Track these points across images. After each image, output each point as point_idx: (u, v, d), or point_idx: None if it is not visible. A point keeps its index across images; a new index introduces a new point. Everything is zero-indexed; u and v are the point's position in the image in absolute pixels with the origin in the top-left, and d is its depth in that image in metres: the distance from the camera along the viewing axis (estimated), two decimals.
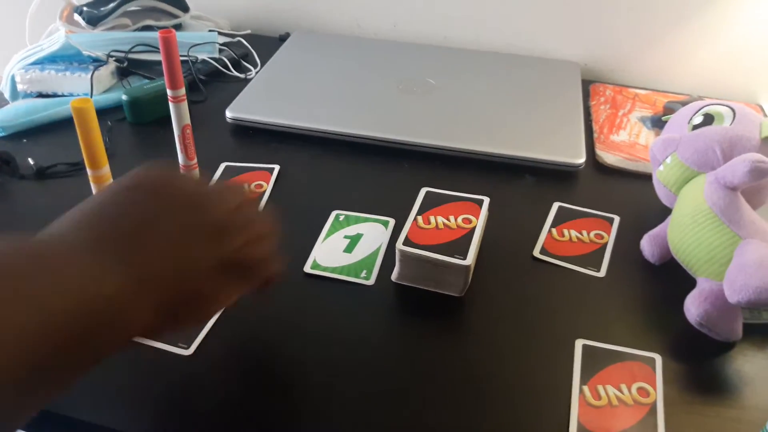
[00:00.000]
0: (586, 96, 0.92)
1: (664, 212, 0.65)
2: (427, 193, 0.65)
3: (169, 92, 0.66)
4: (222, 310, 0.53)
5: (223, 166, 0.75)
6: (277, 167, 0.75)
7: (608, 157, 0.79)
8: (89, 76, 0.85)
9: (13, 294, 0.31)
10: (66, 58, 0.88)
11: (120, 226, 0.39)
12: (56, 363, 0.33)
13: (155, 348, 0.53)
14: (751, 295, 0.51)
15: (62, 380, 0.34)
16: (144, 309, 0.38)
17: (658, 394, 0.52)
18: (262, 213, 0.50)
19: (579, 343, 0.55)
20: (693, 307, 0.56)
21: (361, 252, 0.64)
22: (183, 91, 0.66)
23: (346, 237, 0.66)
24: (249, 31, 1.04)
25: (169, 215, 0.41)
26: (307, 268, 0.62)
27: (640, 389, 0.52)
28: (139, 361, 0.53)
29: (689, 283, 0.59)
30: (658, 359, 0.54)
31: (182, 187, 0.43)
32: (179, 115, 0.67)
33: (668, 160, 0.64)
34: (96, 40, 0.92)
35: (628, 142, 0.82)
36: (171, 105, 0.66)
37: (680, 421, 0.50)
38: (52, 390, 0.33)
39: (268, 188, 0.72)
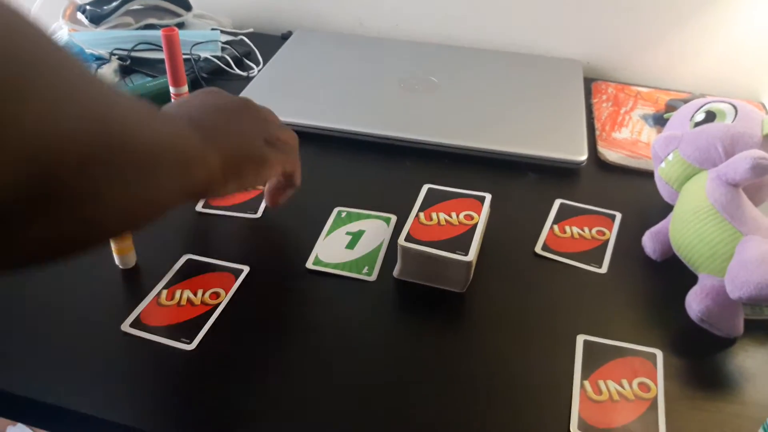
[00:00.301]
0: (588, 94, 0.92)
1: (666, 209, 0.65)
2: (429, 189, 0.65)
3: (171, 89, 0.66)
4: None
5: None
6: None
7: (610, 154, 0.79)
8: None
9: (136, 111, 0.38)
10: None
11: (192, 106, 0.54)
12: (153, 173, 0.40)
13: (159, 343, 0.54)
14: (752, 291, 0.52)
15: (156, 194, 0.41)
16: (212, 154, 0.49)
17: (659, 389, 0.52)
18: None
19: (580, 339, 0.56)
20: (694, 303, 0.56)
21: (363, 248, 0.64)
22: (185, 88, 0.67)
23: (348, 233, 0.66)
24: (251, 30, 1.05)
25: (224, 101, 0.57)
26: (309, 264, 0.62)
27: (641, 384, 0.52)
28: (142, 356, 0.53)
29: (691, 279, 0.59)
30: (659, 355, 0.54)
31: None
32: None
33: (670, 157, 0.64)
34: (99, 39, 0.92)
35: (630, 140, 0.82)
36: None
37: (681, 416, 0.50)
38: (147, 197, 0.40)
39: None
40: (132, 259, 0.61)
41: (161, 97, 0.81)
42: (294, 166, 0.62)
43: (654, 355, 0.54)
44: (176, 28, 0.63)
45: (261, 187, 0.69)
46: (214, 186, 0.51)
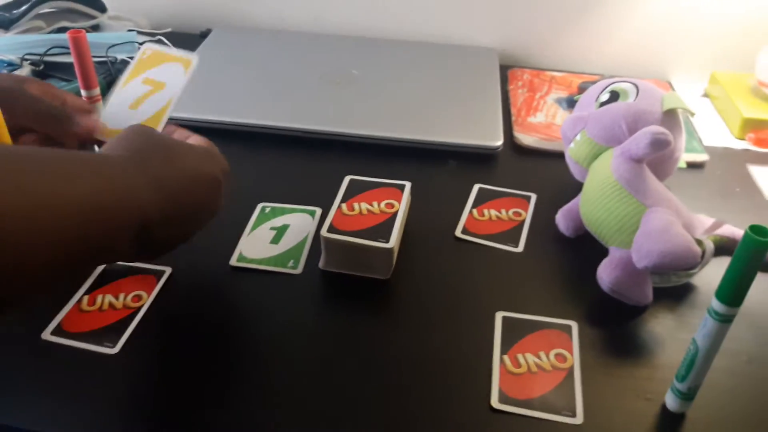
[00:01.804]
0: (505, 81, 0.94)
1: (578, 188, 0.67)
2: (351, 180, 0.66)
3: (83, 93, 0.65)
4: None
5: None
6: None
7: (525, 138, 0.81)
8: None
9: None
10: None
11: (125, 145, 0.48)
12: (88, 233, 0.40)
13: (81, 349, 0.53)
14: (656, 259, 0.54)
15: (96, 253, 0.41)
16: (143, 188, 0.45)
17: (575, 358, 0.54)
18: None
19: (499, 316, 0.58)
20: (605, 274, 0.59)
21: (288, 242, 0.65)
22: (98, 90, 0.66)
23: (272, 228, 0.66)
24: (169, 29, 1.03)
25: (167, 144, 0.51)
26: (233, 261, 0.62)
27: (557, 355, 0.54)
28: (65, 364, 0.52)
29: (602, 253, 0.61)
30: (575, 326, 0.57)
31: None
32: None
33: (578, 137, 0.67)
34: (9, 44, 0.90)
35: (544, 123, 0.85)
36: None
37: (596, 382, 0.53)
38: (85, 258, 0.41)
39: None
40: None
41: None
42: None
43: (569, 327, 0.57)
44: (83, 30, 0.62)
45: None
46: (148, 230, 0.46)
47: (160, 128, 0.59)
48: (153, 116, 0.60)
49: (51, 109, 0.59)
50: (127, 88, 0.62)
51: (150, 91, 0.61)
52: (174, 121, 0.80)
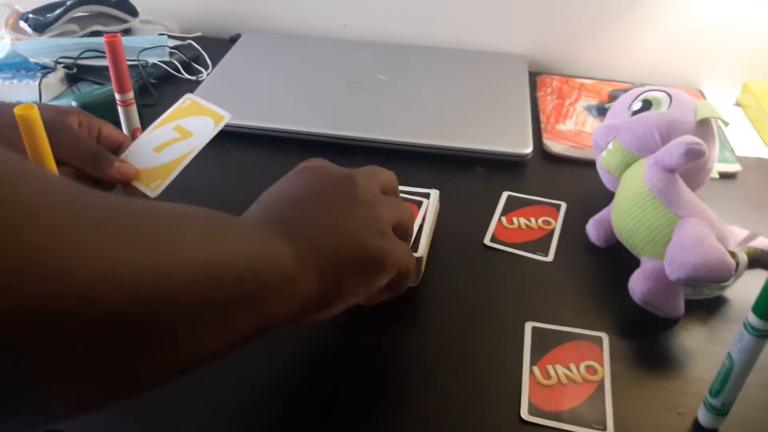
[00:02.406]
0: (534, 87, 0.94)
1: (609, 197, 0.67)
2: None
3: (117, 96, 0.66)
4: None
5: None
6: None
7: (555, 146, 0.81)
8: (37, 83, 0.84)
9: (199, 240, 0.34)
10: (12, 66, 0.87)
11: (285, 201, 0.45)
12: (224, 314, 0.34)
13: None
14: (689, 271, 0.54)
15: (232, 335, 0.36)
16: (307, 274, 0.40)
17: (606, 371, 0.54)
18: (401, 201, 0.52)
19: (528, 326, 0.57)
20: (637, 286, 0.58)
21: None
22: (131, 94, 0.66)
23: None
24: (200, 34, 1.04)
25: (327, 189, 0.46)
26: None
27: (588, 367, 0.54)
28: None
29: (633, 263, 0.61)
30: (605, 338, 0.56)
31: (337, 168, 0.49)
32: (128, 118, 0.67)
33: (610, 146, 0.66)
34: (43, 47, 0.91)
35: (574, 131, 0.84)
36: (120, 109, 0.67)
37: (627, 395, 0.52)
38: (221, 341, 0.35)
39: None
40: None
41: (109, 104, 0.80)
42: (409, 262, 0.48)
43: (600, 339, 0.56)
44: (119, 34, 0.63)
45: None
46: (308, 314, 0.42)
47: (172, 176, 0.60)
48: (171, 162, 0.61)
49: (92, 148, 0.58)
50: (157, 132, 0.64)
51: (176, 139, 0.62)
52: None
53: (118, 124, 0.68)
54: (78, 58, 0.91)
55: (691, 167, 0.60)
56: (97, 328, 0.27)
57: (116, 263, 0.28)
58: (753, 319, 0.44)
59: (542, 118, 0.86)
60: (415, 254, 0.58)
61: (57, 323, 0.25)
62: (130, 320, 0.28)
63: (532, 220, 0.69)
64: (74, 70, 0.90)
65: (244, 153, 0.78)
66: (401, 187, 0.66)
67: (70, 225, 0.27)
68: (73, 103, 0.80)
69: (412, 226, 0.51)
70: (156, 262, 0.30)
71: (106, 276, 0.27)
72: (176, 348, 0.32)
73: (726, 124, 0.65)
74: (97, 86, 0.87)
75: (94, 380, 0.29)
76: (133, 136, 0.68)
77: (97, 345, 0.27)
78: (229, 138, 0.81)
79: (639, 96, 0.68)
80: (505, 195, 0.73)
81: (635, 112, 0.67)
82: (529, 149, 0.77)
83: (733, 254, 0.58)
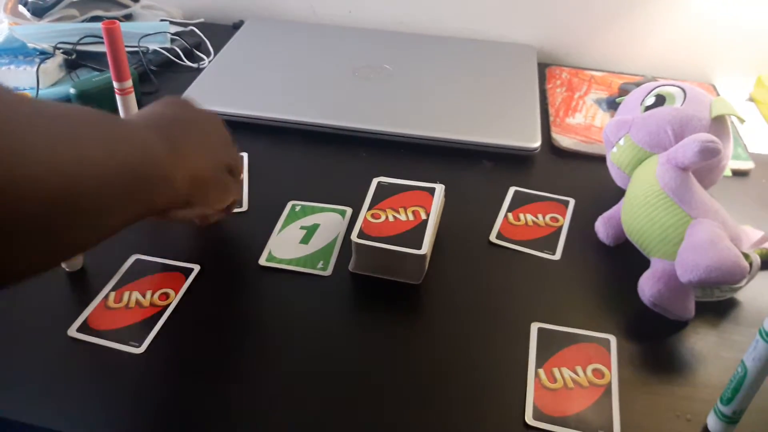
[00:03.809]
0: (543, 79, 0.92)
1: (619, 194, 0.65)
2: (379, 184, 0.64)
3: (115, 84, 0.64)
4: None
5: None
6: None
7: (564, 140, 0.79)
8: (35, 69, 0.82)
9: (96, 136, 0.41)
10: (10, 52, 0.85)
11: (165, 118, 0.52)
12: (114, 200, 0.42)
13: (107, 347, 0.52)
14: (701, 274, 0.52)
15: (125, 217, 0.44)
16: (180, 175, 0.48)
17: (613, 374, 0.52)
18: None
19: (534, 327, 0.56)
20: (646, 287, 0.57)
21: (317, 242, 0.63)
22: (130, 83, 0.65)
23: (302, 228, 0.65)
24: (202, 20, 1.02)
25: (199, 120, 0.55)
26: (262, 261, 0.61)
27: (595, 371, 0.52)
28: (90, 362, 0.52)
29: (643, 264, 0.59)
30: (613, 340, 0.55)
31: (202, 109, 0.57)
32: (126, 107, 0.66)
33: (621, 142, 0.64)
34: (42, 32, 0.89)
35: (583, 125, 0.82)
36: (118, 97, 0.65)
37: (635, 400, 0.51)
38: (118, 221, 0.43)
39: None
40: (79, 262, 0.59)
41: (108, 91, 0.79)
42: (239, 196, 0.63)
43: (608, 341, 0.55)
44: (117, 21, 0.61)
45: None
46: (174, 206, 0.51)
47: None
48: None
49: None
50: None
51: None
52: None
53: (116, 111, 0.66)
54: (77, 43, 0.89)
55: (704, 165, 0.59)
56: (39, 207, 0.35)
57: (49, 156, 0.36)
58: None
59: (551, 111, 0.85)
60: (419, 252, 0.57)
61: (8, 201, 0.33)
62: (60, 203, 0.36)
63: (540, 216, 0.67)
64: (73, 56, 0.88)
65: (244, 143, 0.76)
66: (404, 182, 0.64)
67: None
68: (72, 90, 0.79)
69: (242, 169, 0.64)
70: (75, 158, 0.38)
71: (45, 166, 0.35)
72: (91, 226, 0.40)
73: (742, 121, 0.63)
74: (96, 73, 0.85)
75: (33, 249, 0.36)
76: None
77: (39, 221, 0.35)
78: (232, 128, 0.79)
79: (652, 91, 0.66)
80: (512, 190, 0.71)
81: (648, 108, 0.65)
82: (537, 143, 0.76)
83: (746, 255, 0.56)
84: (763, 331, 0.42)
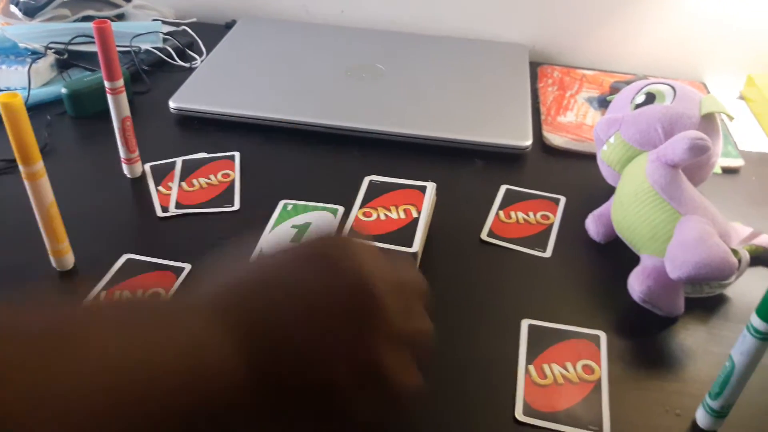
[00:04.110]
0: (534, 78, 0.92)
1: (609, 192, 0.65)
2: (371, 182, 0.64)
3: (106, 84, 0.64)
4: None
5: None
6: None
7: (555, 138, 0.79)
8: (26, 69, 0.82)
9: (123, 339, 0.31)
10: (2, 52, 0.85)
11: (257, 296, 0.35)
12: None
13: None
14: (691, 270, 0.52)
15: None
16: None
17: (603, 370, 0.52)
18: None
19: (525, 323, 0.56)
20: (636, 284, 0.57)
21: None
22: (121, 82, 0.65)
23: (294, 226, 0.65)
24: (194, 19, 1.02)
25: (338, 301, 0.36)
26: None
27: (585, 366, 0.53)
28: None
29: (633, 260, 0.59)
30: (603, 336, 0.55)
31: (351, 269, 0.37)
32: (118, 107, 0.66)
33: (611, 140, 0.65)
34: (33, 32, 0.89)
35: (575, 123, 0.82)
36: (109, 97, 0.65)
37: (624, 396, 0.51)
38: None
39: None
40: (69, 261, 0.59)
41: (99, 91, 0.79)
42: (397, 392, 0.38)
43: (597, 337, 0.55)
44: (109, 21, 0.61)
45: None
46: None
47: None
48: None
49: None
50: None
51: None
52: (195, 114, 0.80)
53: (107, 111, 0.66)
54: (69, 43, 0.89)
55: (694, 163, 0.59)
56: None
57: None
58: (756, 321, 0.42)
59: (543, 109, 0.85)
60: (410, 249, 0.57)
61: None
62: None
63: (531, 214, 0.68)
64: (65, 56, 0.88)
65: (236, 143, 0.76)
66: (395, 180, 0.64)
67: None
68: (63, 90, 0.79)
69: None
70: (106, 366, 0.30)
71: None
72: None
73: (731, 118, 0.63)
74: (88, 72, 0.85)
75: None
76: (123, 124, 0.66)
77: None
78: (221, 127, 0.79)
79: (642, 89, 0.66)
80: (503, 188, 0.71)
81: (638, 105, 0.65)
82: (528, 142, 0.76)
83: (735, 252, 0.56)
84: (751, 326, 0.43)
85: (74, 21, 0.95)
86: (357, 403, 0.35)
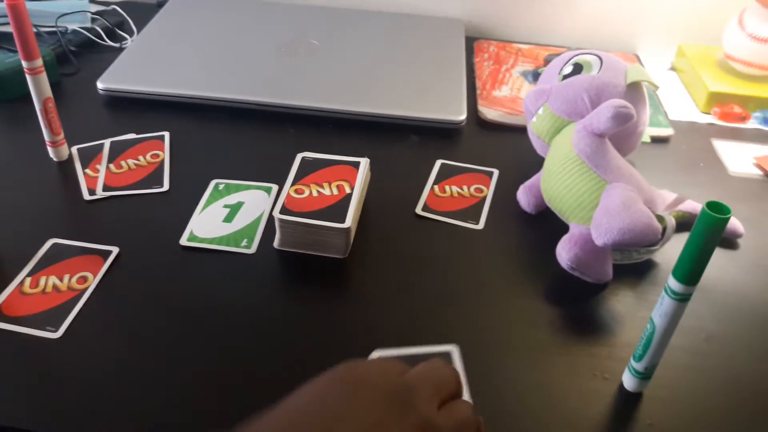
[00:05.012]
0: (470, 53, 0.92)
1: (540, 163, 0.66)
2: (303, 159, 0.64)
3: (24, 64, 0.62)
4: None
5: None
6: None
7: (489, 112, 0.79)
8: None
9: None
10: None
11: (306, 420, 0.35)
12: None
13: (23, 334, 0.51)
14: (615, 236, 0.53)
15: None
16: None
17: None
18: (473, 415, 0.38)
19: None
20: (564, 251, 0.58)
21: (242, 221, 0.63)
22: (40, 62, 0.63)
23: (226, 206, 0.64)
24: None
25: (366, 410, 0.35)
26: (183, 241, 0.60)
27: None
28: (4, 349, 0.50)
29: (563, 230, 0.60)
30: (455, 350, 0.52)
31: (386, 379, 0.37)
32: (38, 88, 0.64)
33: (540, 111, 0.65)
34: None
35: (509, 97, 0.83)
36: (28, 78, 0.63)
37: (553, 362, 0.52)
38: None
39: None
40: None
41: (22, 73, 0.76)
42: None
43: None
44: None
45: None
46: None
47: None
48: None
49: None
50: None
51: None
52: (125, 95, 0.78)
53: (29, 94, 0.64)
54: None
55: (621, 131, 0.60)
56: None
57: None
58: (673, 283, 0.43)
59: (478, 84, 0.85)
60: (342, 225, 0.57)
61: None
62: None
63: (464, 188, 0.68)
64: None
65: (167, 123, 0.75)
66: (328, 156, 0.64)
67: None
68: None
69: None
70: None
71: None
72: None
73: (655, 87, 0.64)
74: (10, 53, 0.82)
75: None
76: (45, 105, 0.64)
77: None
78: (151, 107, 0.77)
79: (570, 60, 0.67)
80: (438, 163, 0.71)
81: (566, 76, 0.66)
82: (463, 116, 0.76)
83: (660, 218, 0.57)
84: (668, 288, 0.44)
85: None
86: None
